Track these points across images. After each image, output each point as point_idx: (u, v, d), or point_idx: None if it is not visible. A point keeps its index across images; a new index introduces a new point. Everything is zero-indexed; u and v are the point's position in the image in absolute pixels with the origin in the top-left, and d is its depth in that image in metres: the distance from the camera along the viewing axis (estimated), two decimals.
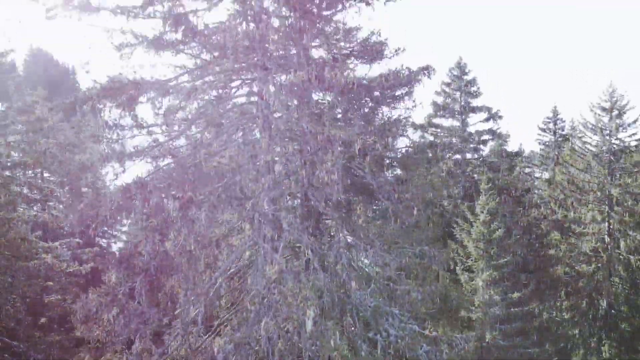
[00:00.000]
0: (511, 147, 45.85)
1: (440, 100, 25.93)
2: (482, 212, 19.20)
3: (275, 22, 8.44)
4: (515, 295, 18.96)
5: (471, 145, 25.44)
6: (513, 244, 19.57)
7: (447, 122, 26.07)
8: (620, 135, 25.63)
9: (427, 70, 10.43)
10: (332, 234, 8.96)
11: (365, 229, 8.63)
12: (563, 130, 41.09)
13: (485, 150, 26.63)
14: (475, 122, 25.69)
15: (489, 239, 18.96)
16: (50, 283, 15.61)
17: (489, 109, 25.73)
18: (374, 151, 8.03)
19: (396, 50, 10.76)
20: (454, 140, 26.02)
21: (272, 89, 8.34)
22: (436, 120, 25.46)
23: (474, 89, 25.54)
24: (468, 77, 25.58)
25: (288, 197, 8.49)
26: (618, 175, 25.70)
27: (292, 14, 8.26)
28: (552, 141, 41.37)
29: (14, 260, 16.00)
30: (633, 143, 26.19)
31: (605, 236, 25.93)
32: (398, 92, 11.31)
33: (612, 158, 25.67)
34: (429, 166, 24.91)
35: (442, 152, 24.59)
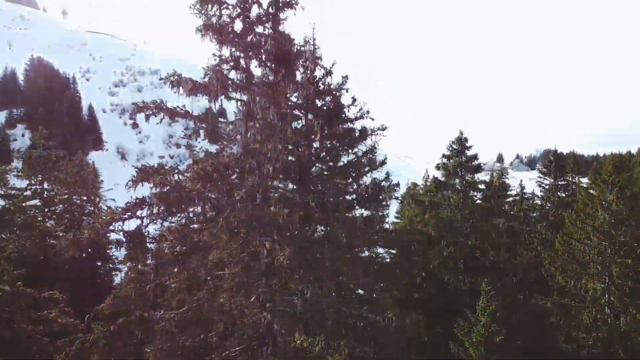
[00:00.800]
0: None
1: (440, 174, 25.97)
2: (483, 315, 19.27)
3: None
4: None
5: (471, 221, 25.42)
6: (515, 347, 19.65)
7: (447, 196, 26.08)
8: (621, 208, 25.68)
9: None
10: None
11: None
12: (563, 174, 41.24)
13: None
14: (477, 199, 25.71)
15: (489, 339, 19.06)
16: None
17: (489, 185, 25.76)
18: None
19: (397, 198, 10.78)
20: (454, 205, 26.06)
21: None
22: (436, 198, 25.47)
23: (474, 164, 25.57)
24: (469, 153, 25.62)
25: None
26: (618, 246, 25.77)
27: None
28: (552, 184, 41.47)
29: None
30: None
31: (606, 308, 26.05)
32: None
33: (612, 231, 25.74)
34: (430, 245, 25.00)
35: (444, 232, 24.62)
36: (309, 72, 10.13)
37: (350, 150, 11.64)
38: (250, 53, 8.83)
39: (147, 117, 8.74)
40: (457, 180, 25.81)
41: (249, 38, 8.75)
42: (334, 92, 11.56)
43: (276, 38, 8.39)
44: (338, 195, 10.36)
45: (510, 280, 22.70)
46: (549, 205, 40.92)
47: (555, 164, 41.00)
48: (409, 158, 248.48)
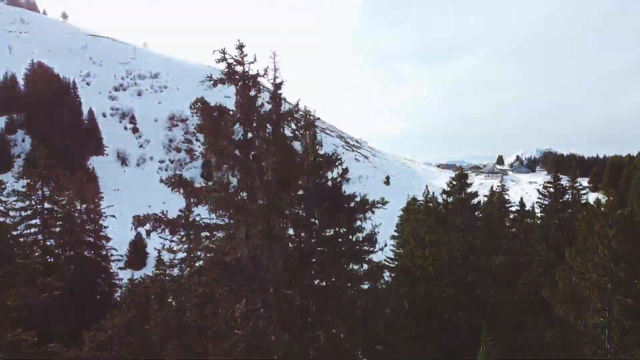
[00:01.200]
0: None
1: (440, 209, 26.00)
2: None
3: None
4: None
5: (471, 258, 25.46)
6: None
7: (447, 234, 26.11)
8: (621, 244, 25.61)
9: None
10: None
11: None
12: (564, 195, 41.23)
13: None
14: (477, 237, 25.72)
15: None
16: None
17: (489, 219, 25.80)
18: None
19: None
20: (454, 243, 26.08)
21: None
22: (436, 236, 25.50)
23: (474, 201, 25.61)
24: (470, 190, 25.66)
25: None
26: (618, 282, 25.74)
27: None
28: (553, 204, 41.46)
29: None
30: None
31: (606, 343, 26.04)
32: None
33: (612, 266, 25.70)
34: (429, 282, 25.04)
35: (445, 270, 24.65)
36: (310, 159, 10.15)
37: (350, 237, 11.72)
38: (252, 176, 8.91)
39: (148, 233, 8.76)
40: (457, 220, 25.85)
41: (249, 159, 8.82)
42: (335, 182, 11.62)
43: (276, 168, 8.46)
44: (338, 296, 10.43)
45: (510, 320, 22.77)
46: (549, 225, 41.02)
47: (555, 184, 41.10)
48: (409, 161, 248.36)
